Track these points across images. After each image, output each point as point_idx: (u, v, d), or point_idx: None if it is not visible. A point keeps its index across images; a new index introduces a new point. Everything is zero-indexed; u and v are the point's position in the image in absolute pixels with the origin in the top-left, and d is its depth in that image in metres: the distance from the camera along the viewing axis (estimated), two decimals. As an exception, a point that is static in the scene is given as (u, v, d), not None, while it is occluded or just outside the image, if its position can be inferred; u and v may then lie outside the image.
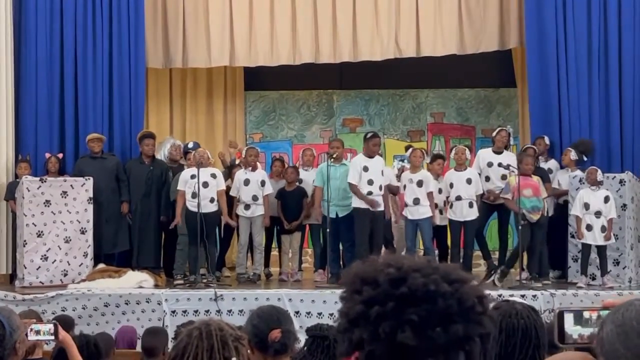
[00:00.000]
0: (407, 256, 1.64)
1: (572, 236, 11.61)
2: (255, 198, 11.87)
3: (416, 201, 11.41)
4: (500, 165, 11.80)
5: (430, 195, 11.50)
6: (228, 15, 13.48)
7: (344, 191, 11.49)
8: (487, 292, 1.64)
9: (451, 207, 11.60)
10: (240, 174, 12.02)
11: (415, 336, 1.51)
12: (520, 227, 11.01)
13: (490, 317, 1.58)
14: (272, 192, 12.07)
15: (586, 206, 11.16)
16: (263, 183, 11.94)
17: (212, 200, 11.41)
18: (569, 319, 1.98)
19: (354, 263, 1.67)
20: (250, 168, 12.01)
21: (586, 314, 1.98)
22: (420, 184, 11.45)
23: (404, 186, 11.52)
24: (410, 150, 11.96)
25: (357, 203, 11.27)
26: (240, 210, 11.90)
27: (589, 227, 11.13)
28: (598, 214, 11.13)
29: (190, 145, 12.62)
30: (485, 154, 12.22)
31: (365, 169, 11.24)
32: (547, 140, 12.32)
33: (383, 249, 11.92)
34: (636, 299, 1.93)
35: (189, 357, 3.15)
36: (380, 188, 11.30)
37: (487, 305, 1.58)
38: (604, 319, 1.91)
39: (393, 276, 1.57)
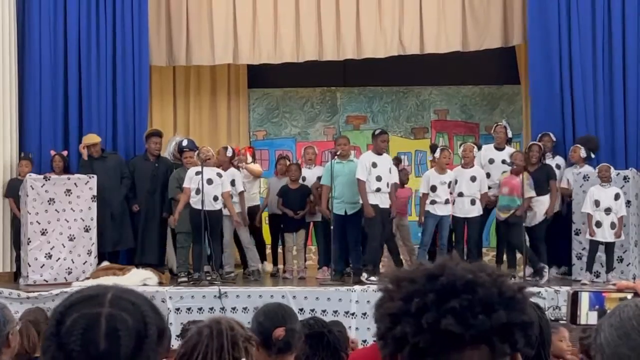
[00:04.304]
0: (443, 258, 1.65)
1: (577, 233, 11.62)
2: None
3: (447, 201, 11.53)
4: (504, 162, 11.88)
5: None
6: (231, 12, 13.48)
7: (350, 188, 11.43)
8: (526, 285, 1.66)
9: (453, 203, 11.61)
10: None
11: (459, 323, 1.51)
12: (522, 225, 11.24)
13: (531, 307, 1.60)
14: (243, 189, 11.96)
15: (596, 203, 11.17)
16: (233, 182, 11.87)
17: (215, 199, 11.40)
18: (585, 300, 1.97)
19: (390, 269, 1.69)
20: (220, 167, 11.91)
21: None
22: (449, 185, 11.54)
23: (434, 187, 11.51)
24: (439, 150, 11.91)
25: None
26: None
27: (599, 224, 11.15)
28: (608, 210, 11.14)
29: (185, 143, 12.54)
30: (487, 151, 12.25)
31: (374, 165, 11.24)
32: (552, 137, 12.30)
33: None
34: (630, 300, 1.91)
35: (199, 355, 3.14)
36: (388, 185, 11.30)
37: (527, 295, 1.59)
38: (599, 324, 1.89)
39: (429, 271, 1.57)
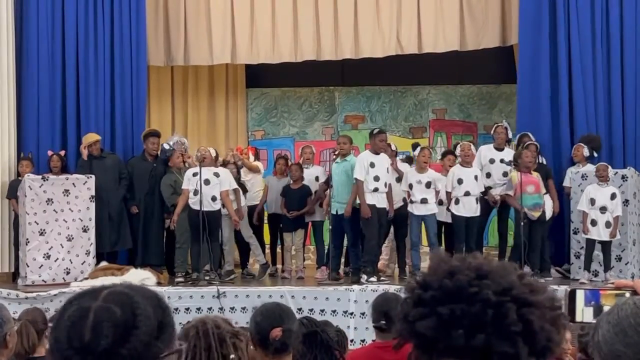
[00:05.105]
0: (490, 259, 1.61)
1: (575, 232, 11.62)
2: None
3: (424, 200, 11.46)
4: (502, 161, 11.88)
5: (437, 193, 11.59)
6: (229, 12, 13.48)
7: (345, 188, 11.41)
8: (542, 319, 1.55)
9: (457, 202, 11.57)
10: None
11: (436, 329, 1.49)
12: (522, 225, 11.10)
13: (529, 342, 1.50)
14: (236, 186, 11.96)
15: (592, 202, 11.19)
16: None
17: (213, 199, 11.39)
18: (580, 297, 1.97)
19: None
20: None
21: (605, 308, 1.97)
22: (428, 185, 11.48)
23: (410, 185, 11.50)
24: (419, 149, 11.89)
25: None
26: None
27: (594, 223, 11.16)
28: (603, 209, 11.15)
29: (167, 147, 12.38)
30: (487, 151, 12.23)
31: (372, 165, 11.20)
32: (531, 136, 12.26)
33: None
34: (629, 298, 1.92)
35: (187, 356, 3.14)
36: (386, 185, 11.28)
37: (533, 329, 1.51)
38: (597, 322, 1.89)
39: (451, 269, 1.55)
